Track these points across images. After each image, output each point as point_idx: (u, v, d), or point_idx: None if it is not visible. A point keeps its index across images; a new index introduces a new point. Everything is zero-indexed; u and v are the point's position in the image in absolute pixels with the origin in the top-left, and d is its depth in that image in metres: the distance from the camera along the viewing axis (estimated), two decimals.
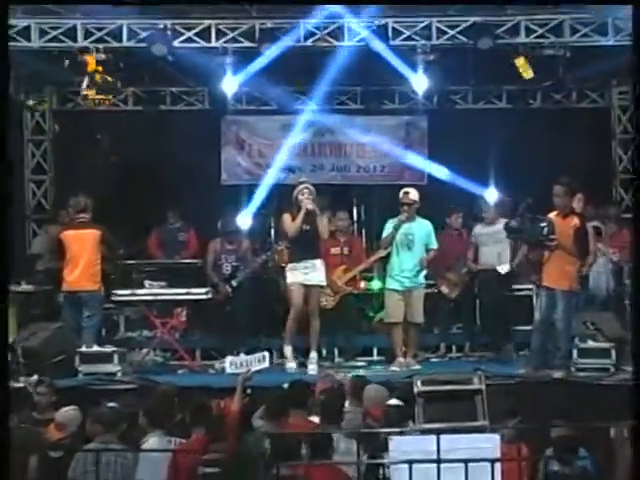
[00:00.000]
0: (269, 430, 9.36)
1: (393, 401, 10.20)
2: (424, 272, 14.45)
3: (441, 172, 18.57)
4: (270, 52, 16.28)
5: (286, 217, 14.08)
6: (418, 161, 19.48)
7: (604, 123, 19.81)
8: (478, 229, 15.47)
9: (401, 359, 14.08)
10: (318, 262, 14.00)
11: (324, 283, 14.23)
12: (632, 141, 19.45)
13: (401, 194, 14.57)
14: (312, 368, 13.78)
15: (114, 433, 9.30)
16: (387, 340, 14.99)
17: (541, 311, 13.77)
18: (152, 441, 9.24)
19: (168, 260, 16.23)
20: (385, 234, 14.50)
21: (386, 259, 14.66)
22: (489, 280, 15.26)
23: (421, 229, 14.35)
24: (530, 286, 15.33)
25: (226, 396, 10.70)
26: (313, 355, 13.96)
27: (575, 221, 13.52)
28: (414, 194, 14.44)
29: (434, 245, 14.42)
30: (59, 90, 19.36)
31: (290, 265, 14.03)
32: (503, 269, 15.04)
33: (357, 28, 16.39)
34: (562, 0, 14.45)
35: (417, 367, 13.74)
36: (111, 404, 10.14)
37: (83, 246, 14.23)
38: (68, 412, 10.02)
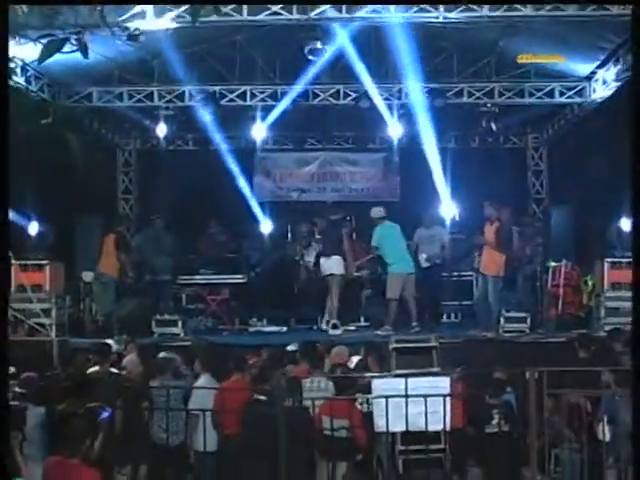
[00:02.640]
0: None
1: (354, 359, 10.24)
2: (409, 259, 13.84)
3: (409, 192, 18.55)
4: (288, 108, 16.36)
5: None
6: (393, 184, 19.48)
7: (522, 159, 19.81)
8: (419, 231, 14.90)
9: (387, 326, 13.40)
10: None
11: None
12: (541, 172, 19.64)
13: (371, 211, 14.32)
14: None
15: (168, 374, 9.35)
16: (371, 311, 14.97)
17: (478, 290, 13.78)
18: (203, 380, 9.25)
19: (215, 255, 16.21)
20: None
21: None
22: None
23: (396, 231, 13.88)
24: (471, 272, 15.33)
25: (254, 351, 10.76)
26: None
27: (497, 226, 13.50)
28: (379, 210, 14.12)
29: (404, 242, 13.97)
30: (141, 135, 19.38)
31: None
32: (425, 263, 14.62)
33: (349, 92, 16.48)
34: (561, 1, 12.15)
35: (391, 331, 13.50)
36: (162, 354, 10.20)
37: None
38: (129, 358, 10.01)
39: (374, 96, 15.98)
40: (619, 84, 14.57)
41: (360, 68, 14.86)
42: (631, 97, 10.64)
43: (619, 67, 14.27)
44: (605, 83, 15.13)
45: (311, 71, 15.14)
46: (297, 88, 15.81)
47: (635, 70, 8.06)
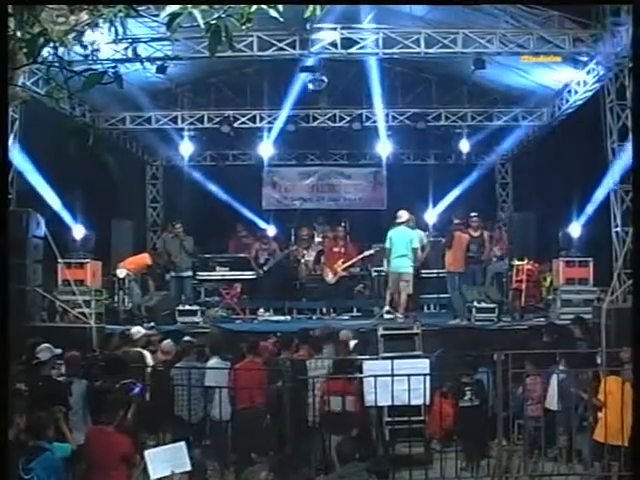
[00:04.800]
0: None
1: (353, 341, 10.23)
2: (410, 261, 12.90)
3: (394, 201, 18.53)
4: (292, 130, 16.44)
5: None
6: (381, 195, 19.52)
7: (490, 173, 19.70)
8: None
9: (391, 315, 12.74)
10: None
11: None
12: (507, 184, 19.66)
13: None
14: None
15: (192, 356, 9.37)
16: (363, 303, 14.95)
17: (450, 284, 13.68)
18: (213, 361, 9.28)
19: (228, 255, 16.16)
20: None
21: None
22: None
23: (406, 234, 12.98)
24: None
25: (263, 337, 10.74)
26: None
27: (459, 234, 13.41)
28: (399, 215, 13.23)
29: (415, 245, 12.96)
30: (167, 152, 19.39)
31: None
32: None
33: (344, 115, 16.57)
34: (561, 1, 11.60)
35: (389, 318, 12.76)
36: (187, 338, 10.18)
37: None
38: (167, 343, 10.01)
39: (379, 118, 16.07)
40: (571, 111, 14.78)
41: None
42: (632, 96, 10.69)
43: (572, 96, 14.41)
44: (560, 109, 15.29)
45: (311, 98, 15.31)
46: (284, 113, 15.95)
47: (635, 70, 7.91)
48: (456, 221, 13.63)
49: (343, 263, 14.74)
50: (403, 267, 12.78)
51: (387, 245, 13.05)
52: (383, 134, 16.90)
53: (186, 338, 10.21)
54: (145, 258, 14.51)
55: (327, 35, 12.41)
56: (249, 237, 16.50)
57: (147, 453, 6.15)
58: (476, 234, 13.72)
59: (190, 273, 14.89)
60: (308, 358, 9.23)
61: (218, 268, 15.68)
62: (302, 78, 14.52)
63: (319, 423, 8.55)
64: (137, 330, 10.46)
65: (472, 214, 13.80)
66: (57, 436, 6.59)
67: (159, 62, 12.77)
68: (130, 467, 6.51)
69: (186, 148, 17.36)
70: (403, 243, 12.92)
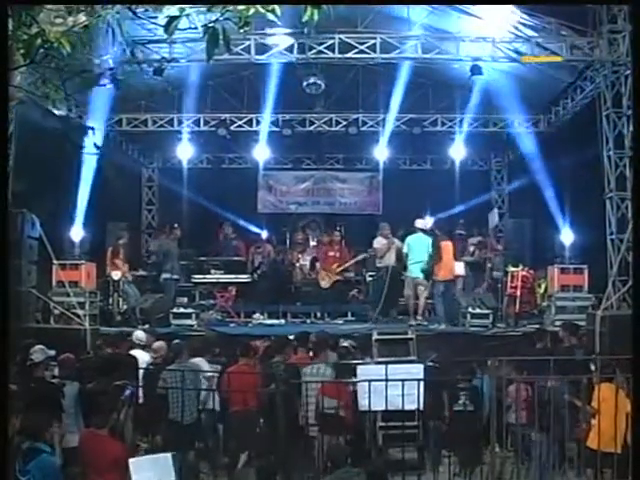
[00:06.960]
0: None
1: (346, 343, 10.16)
2: (426, 267, 13.13)
3: (390, 206, 18.56)
4: (288, 134, 16.45)
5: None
6: (376, 199, 19.53)
7: (486, 179, 19.82)
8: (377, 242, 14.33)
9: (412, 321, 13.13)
10: None
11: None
12: (503, 190, 19.67)
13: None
14: None
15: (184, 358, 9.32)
16: (357, 307, 14.92)
17: (435, 291, 13.62)
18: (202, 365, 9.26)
19: (223, 257, 16.13)
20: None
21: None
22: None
23: (423, 241, 13.19)
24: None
25: (257, 340, 10.72)
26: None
27: (443, 244, 13.40)
28: (419, 222, 13.51)
29: (431, 251, 13.13)
30: (162, 156, 19.42)
31: None
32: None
33: (340, 120, 16.57)
34: (561, 1, 11.23)
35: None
36: (177, 341, 10.15)
37: None
38: (158, 343, 9.95)
39: (388, 122, 16.10)
40: (567, 118, 14.83)
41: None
42: (632, 97, 10.67)
43: (569, 104, 14.47)
44: (557, 116, 15.34)
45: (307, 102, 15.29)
46: (266, 115, 16.02)
47: (634, 70, 7.76)
48: (438, 232, 13.66)
49: (338, 267, 14.74)
50: (420, 273, 12.89)
51: (405, 250, 13.16)
52: (384, 138, 16.90)
53: (176, 341, 10.17)
54: (109, 252, 14.32)
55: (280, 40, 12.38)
56: (239, 240, 16.49)
57: (131, 462, 5.99)
58: (474, 242, 13.78)
59: (184, 276, 14.92)
60: (309, 363, 9.18)
61: (213, 271, 15.65)
62: (298, 82, 14.55)
63: (312, 427, 8.52)
64: (141, 335, 10.30)
65: (479, 236, 13.93)
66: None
67: (156, 64, 12.76)
68: (124, 472, 6.48)
69: (183, 151, 17.35)
70: (420, 249, 13.02)
